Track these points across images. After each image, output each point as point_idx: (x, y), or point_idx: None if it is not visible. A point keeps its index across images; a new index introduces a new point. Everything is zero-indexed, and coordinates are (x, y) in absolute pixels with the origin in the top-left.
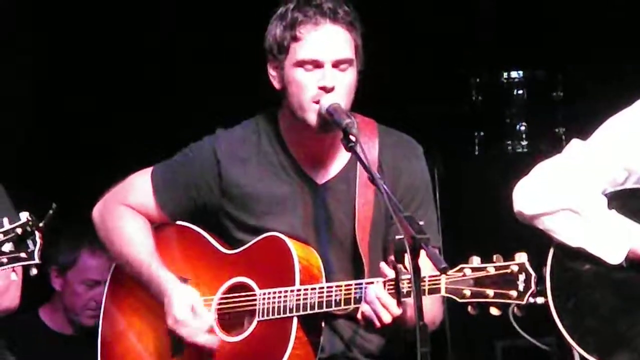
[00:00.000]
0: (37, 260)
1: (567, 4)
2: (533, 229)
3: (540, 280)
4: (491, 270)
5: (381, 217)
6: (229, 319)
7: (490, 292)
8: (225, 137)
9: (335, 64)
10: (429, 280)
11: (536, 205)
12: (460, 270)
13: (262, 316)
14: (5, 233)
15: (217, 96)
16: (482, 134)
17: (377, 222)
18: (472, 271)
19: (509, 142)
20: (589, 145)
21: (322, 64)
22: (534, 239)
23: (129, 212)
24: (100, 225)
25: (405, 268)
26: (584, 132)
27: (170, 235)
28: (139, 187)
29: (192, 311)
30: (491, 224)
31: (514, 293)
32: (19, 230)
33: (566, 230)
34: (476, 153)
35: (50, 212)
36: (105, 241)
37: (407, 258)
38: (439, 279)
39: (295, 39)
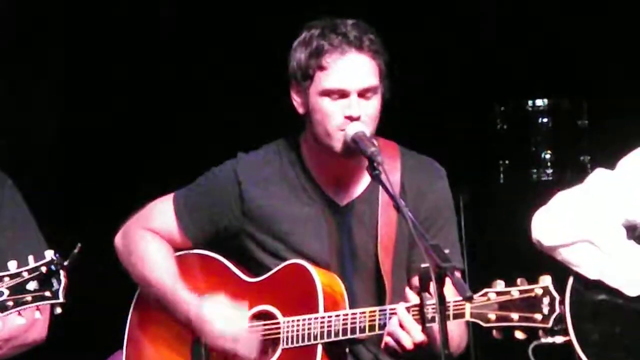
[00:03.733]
0: (61, 300)
1: (592, 32)
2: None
3: (560, 318)
4: (515, 293)
5: (404, 238)
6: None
7: (515, 315)
8: (246, 159)
9: (361, 93)
10: (454, 306)
11: (554, 236)
12: (485, 294)
13: (287, 344)
14: (30, 271)
15: (243, 123)
16: (506, 162)
17: (400, 243)
18: (497, 295)
19: (534, 171)
20: (611, 177)
21: (348, 93)
22: (558, 268)
23: (151, 236)
24: (123, 250)
25: (430, 294)
26: (610, 160)
27: (192, 264)
28: (161, 212)
29: (227, 320)
30: (516, 252)
31: (538, 316)
32: (43, 269)
33: (584, 263)
34: (501, 181)
35: (75, 251)
36: (128, 266)
37: (433, 286)
38: (464, 304)
39: (321, 67)
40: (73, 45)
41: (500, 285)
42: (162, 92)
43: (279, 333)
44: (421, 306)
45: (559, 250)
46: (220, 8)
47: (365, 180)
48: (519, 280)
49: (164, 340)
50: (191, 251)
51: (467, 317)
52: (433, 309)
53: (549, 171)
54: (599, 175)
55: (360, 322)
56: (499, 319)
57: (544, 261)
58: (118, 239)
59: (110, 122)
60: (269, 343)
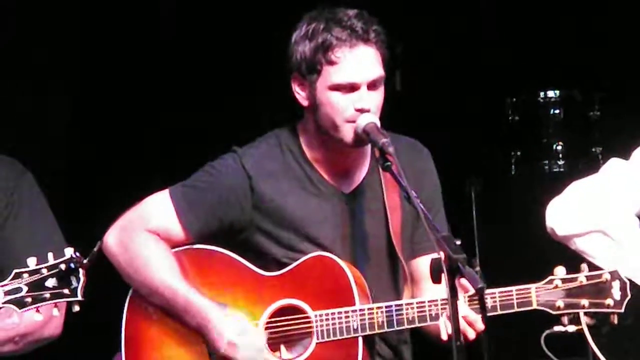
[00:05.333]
0: (79, 298)
1: (604, 22)
2: (565, 247)
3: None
4: (583, 280)
5: (408, 220)
6: (271, 344)
7: (584, 302)
8: (250, 153)
9: (370, 85)
10: (518, 294)
11: (568, 225)
12: (551, 282)
13: (321, 338)
14: (49, 268)
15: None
16: (518, 153)
17: (406, 225)
18: (563, 282)
19: (546, 162)
20: (626, 167)
21: (358, 86)
22: (570, 259)
23: (152, 238)
24: (120, 253)
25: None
26: (621, 151)
27: (197, 260)
28: (159, 210)
29: (244, 333)
30: (527, 242)
31: (610, 301)
32: (62, 267)
33: (597, 252)
34: (513, 173)
35: (95, 249)
36: (126, 268)
37: (444, 278)
38: (529, 292)
39: (330, 62)
40: (76, 46)
41: (562, 271)
42: (168, 91)
43: (309, 327)
44: (481, 296)
45: (573, 240)
46: (220, 8)
47: (364, 165)
48: (581, 267)
49: (172, 340)
50: (197, 246)
51: (534, 306)
52: (492, 298)
53: (561, 162)
54: (613, 165)
55: (407, 313)
56: (568, 306)
57: (555, 252)
58: (112, 241)
59: (117, 120)
60: (294, 338)
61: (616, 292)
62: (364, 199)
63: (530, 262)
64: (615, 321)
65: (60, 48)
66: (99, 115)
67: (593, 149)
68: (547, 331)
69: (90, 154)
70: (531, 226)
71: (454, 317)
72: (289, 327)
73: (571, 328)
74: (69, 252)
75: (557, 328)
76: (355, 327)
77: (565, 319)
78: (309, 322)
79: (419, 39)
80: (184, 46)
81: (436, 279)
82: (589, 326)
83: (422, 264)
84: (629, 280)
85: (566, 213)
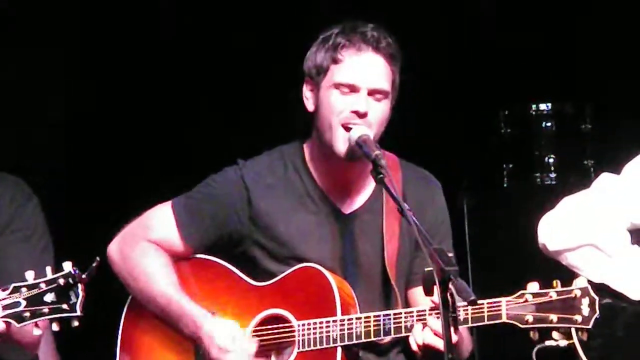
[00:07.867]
0: (79, 313)
1: (595, 35)
2: (557, 263)
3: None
4: (553, 295)
5: (406, 248)
6: (260, 352)
7: (553, 317)
8: (251, 166)
9: (371, 93)
10: (489, 307)
11: (559, 240)
12: (521, 296)
13: (302, 347)
14: (47, 283)
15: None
16: (510, 166)
17: (403, 253)
18: (534, 297)
19: (538, 175)
20: (617, 181)
21: (358, 89)
22: (562, 273)
23: (152, 247)
24: (121, 262)
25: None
26: (613, 165)
27: (193, 269)
28: (160, 221)
29: (234, 339)
30: (519, 256)
31: (578, 318)
32: (61, 281)
33: (589, 266)
34: (505, 185)
35: (94, 264)
36: (126, 277)
37: (437, 290)
38: (500, 306)
39: (335, 61)
40: (74, 44)
41: (535, 287)
42: (168, 93)
43: (293, 336)
44: (453, 308)
45: (564, 255)
46: (220, 7)
47: (368, 189)
48: (554, 282)
49: (163, 348)
50: (195, 256)
51: (504, 319)
52: (464, 310)
53: (553, 175)
54: (604, 180)
55: (384, 324)
56: (537, 320)
57: (547, 265)
58: (114, 250)
59: (117, 121)
60: (282, 346)
61: (585, 309)
62: (363, 222)
63: (522, 275)
64: (585, 338)
65: (60, 49)
66: (98, 116)
67: (585, 162)
68: (539, 345)
69: (88, 161)
70: (523, 239)
71: (445, 329)
72: (274, 336)
73: (563, 342)
74: (67, 266)
75: (548, 342)
76: (335, 337)
77: (532, 334)
78: (293, 332)
79: (410, 52)
80: (184, 46)
81: (428, 291)
82: (580, 341)
83: (418, 294)
84: (621, 294)
85: (557, 228)
